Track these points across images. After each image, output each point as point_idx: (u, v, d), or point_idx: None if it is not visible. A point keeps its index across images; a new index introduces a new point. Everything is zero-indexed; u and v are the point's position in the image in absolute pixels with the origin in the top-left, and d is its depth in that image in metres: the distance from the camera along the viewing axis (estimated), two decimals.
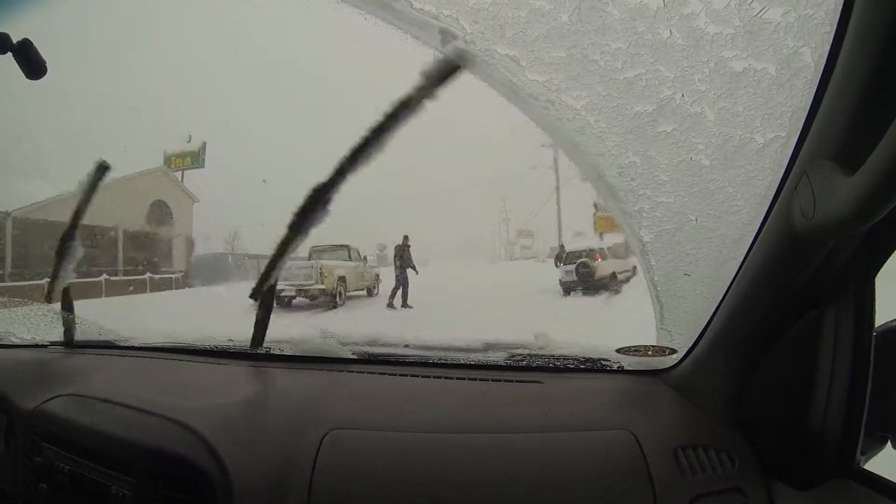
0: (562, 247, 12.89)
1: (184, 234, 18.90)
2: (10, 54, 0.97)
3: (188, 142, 19.87)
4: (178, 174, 19.80)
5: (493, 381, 1.01)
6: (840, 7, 0.51)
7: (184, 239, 18.83)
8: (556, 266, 11.60)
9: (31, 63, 0.98)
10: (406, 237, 10.37)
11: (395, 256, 10.13)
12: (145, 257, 16.31)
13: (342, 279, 10.21)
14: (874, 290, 0.68)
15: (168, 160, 19.81)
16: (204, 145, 19.78)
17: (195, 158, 19.88)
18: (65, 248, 1.37)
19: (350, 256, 11.30)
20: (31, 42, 0.97)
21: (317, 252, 11.12)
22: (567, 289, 10.32)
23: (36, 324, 1.55)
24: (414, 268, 9.81)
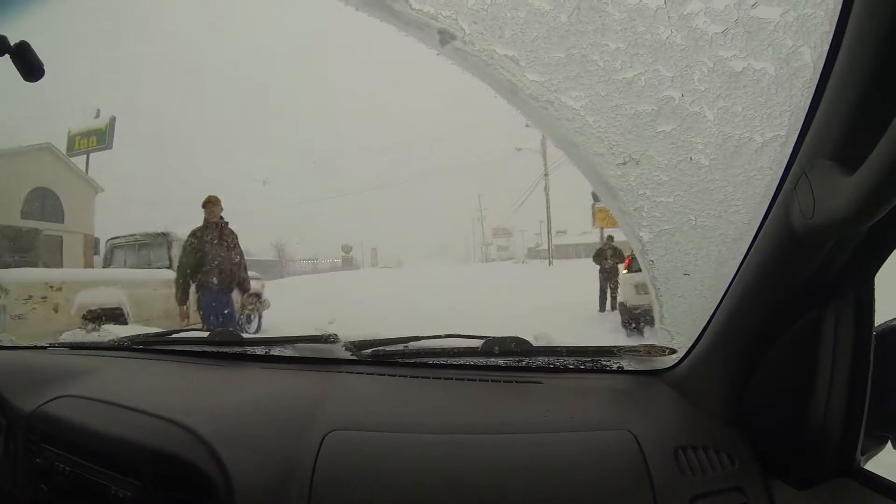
0: (609, 238, 8.01)
1: (81, 231, 14.17)
2: (7, 57, 0.97)
3: (95, 117, 15.71)
4: (83, 156, 15.41)
5: (492, 381, 1.01)
6: (839, 6, 0.51)
7: (81, 238, 14.05)
8: (603, 270, 7.12)
9: (29, 65, 0.98)
10: (212, 204, 4.41)
11: (184, 253, 4.54)
12: (20, 260, 11.91)
13: (99, 315, 4.92)
14: (874, 289, 0.68)
15: (72, 140, 15.48)
16: (112, 121, 15.68)
17: (102, 137, 15.45)
18: None
19: (170, 257, 5.84)
20: (28, 44, 0.97)
21: (118, 249, 6.42)
22: (634, 320, 5.60)
23: None
24: (242, 283, 4.57)
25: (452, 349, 1.10)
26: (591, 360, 1.04)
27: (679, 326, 0.98)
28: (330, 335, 1.20)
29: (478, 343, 1.08)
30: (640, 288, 5.36)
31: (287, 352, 1.22)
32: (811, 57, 0.67)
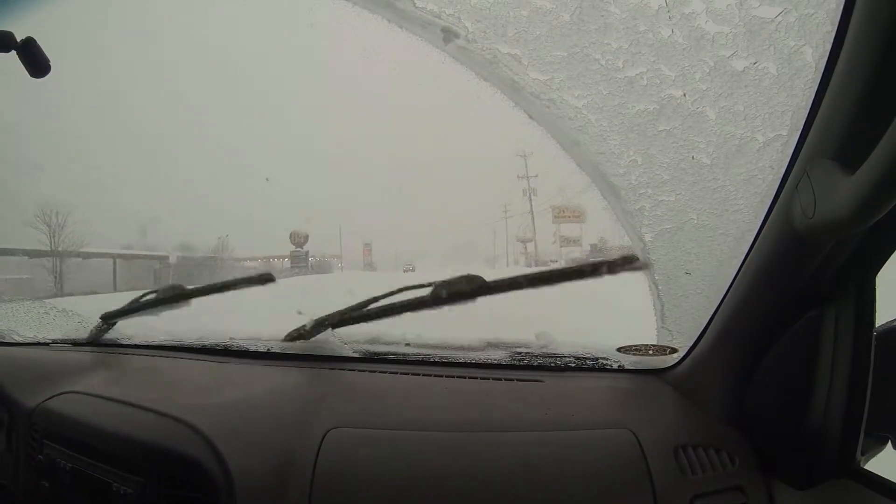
0: None
1: None
2: (14, 53, 0.97)
3: None
4: None
5: (493, 379, 1.01)
6: (841, 6, 0.51)
7: None
8: None
9: (35, 61, 0.98)
10: None
11: None
12: None
13: None
14: (874, 289, 0.68)
15: None
16: None
17: None
18: None
19: None
20: (34, 40, 0.97)
21: None
22: None
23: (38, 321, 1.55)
24: None
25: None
26: (592, 358, 1.04)
27: (680, 325, 0.98)
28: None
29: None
30: None
31: (288, 349, 1.22)
32: (813, 57, 0.67)
